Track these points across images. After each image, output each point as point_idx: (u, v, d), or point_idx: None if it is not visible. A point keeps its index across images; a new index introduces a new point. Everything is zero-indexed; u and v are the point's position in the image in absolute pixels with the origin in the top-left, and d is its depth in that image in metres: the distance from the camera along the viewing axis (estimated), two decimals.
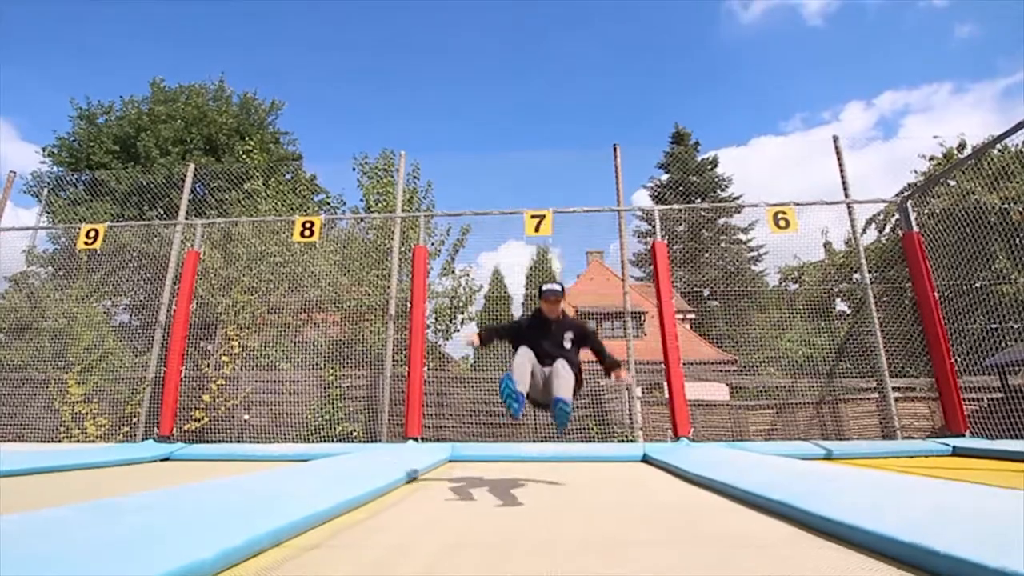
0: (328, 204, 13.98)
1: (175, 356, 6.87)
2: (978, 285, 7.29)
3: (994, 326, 6.66)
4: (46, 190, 12.17)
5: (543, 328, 3.29)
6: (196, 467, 5.08)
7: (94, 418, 7.53)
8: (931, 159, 12.13)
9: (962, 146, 11.77)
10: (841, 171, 7.27)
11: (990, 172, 8.33)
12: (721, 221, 26.50)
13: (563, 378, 2.97)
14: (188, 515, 1.92)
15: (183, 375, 6.97)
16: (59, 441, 7.34)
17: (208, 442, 6.90)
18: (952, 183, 9.33)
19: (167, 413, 6.65)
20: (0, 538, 1.50)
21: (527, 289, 8.90)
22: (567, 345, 3.24)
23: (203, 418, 7.40)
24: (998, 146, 7.74)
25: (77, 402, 7.59)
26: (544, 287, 3.30)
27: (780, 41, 77.34)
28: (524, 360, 3.05)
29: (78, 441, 7.36)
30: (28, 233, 8.88)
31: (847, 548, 1.72)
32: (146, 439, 6.75)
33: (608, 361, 3.39)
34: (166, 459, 5.79)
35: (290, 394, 7.65)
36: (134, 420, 7.25)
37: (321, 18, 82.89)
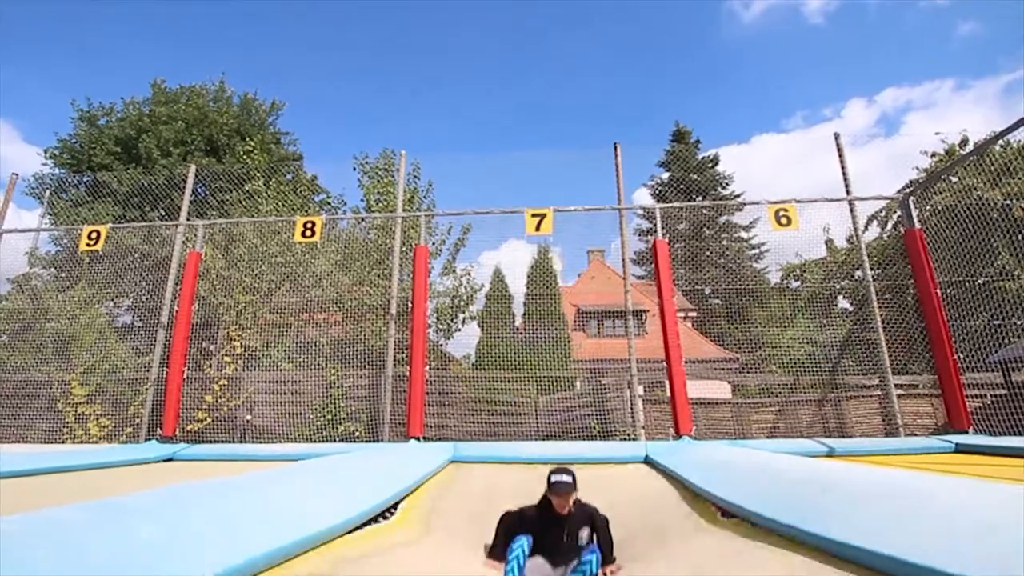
0: (329, 204, 13.98)
1: (177, 357, 6.88)
2: (981, 281, 7.27)
3: (997, 322, 6.65)
4: (48, 192, 12.17)
5: (554, 528, 2.81)
6: (199, 467, 5.09)
7: (97, 419, 7.55)
8: (933, 155, 12.11)
9: (964, 142, 11.75)
10: (843, 168, 7.26)
11: (992, 168, 8.31)
12: (722, 219, 26.49)
13: None
14: (190, 518, 1.92)
15: (185, 376, 6.98)
16: (63, 442, 7.36)
17: (211, 442, 6.91)
18: (954, 179, 9.31)
19: (170, 414, 6.66)
20: (3, 539, 1.51)
21: (528, 288, 8.90)
22: (583, 543, 2.79)
23: (206, 419, 7.42)
24: (1000, 142, 7.71)
25: (80, 403, 7.61)
26: (552, 478, 2.86)
27: (781, 39, 77.27)
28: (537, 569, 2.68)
29: (81, 442, 7.38)
30: (31, 235, 8.91)
31: (842, 563, 1.70)
32: (149, 440, 6.76)
33: (607, 559, 2.80)
34: (169, 459, 5.79)
35: (292, 394, 7.66)
36: (137, 421, 7.27)
37: (321, 18, 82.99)
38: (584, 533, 2.80)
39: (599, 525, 2.86)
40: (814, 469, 3.10)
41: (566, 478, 2.84)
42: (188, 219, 8.04)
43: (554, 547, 2.77)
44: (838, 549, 1.82)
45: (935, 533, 1.55)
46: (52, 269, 9.65)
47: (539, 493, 2.92)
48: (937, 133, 11.94)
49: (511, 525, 2.85)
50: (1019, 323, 6.58)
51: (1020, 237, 7.81)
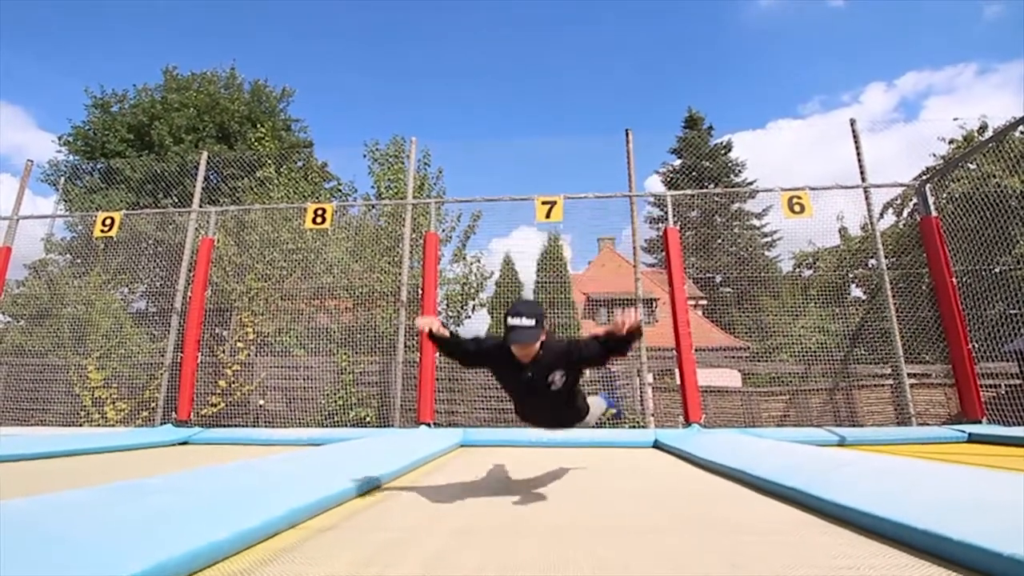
0: (339, 191, 14.02)
1: (191, 342, 6.97)
2: (998, 270, 7.15)
3: (1013, 311, 6.54)
4: (63, 178, 12.29)
5: (520, 372, 2.25)
6: (213, 451, 5.18)
7: (114, 403, 7.69)
8: (951, 142, 11.85)
9: (983, 128, 11.48)
10: (858, 154, 7.14)
11: (1011, 155, 8.12)
12: (734, 206, 26.18)
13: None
14: (206, 497, 1.96)
15: (199, 361, 7.07)
16: (80, 425, 7.52)
17: (224, 427, 7.02)
18: (972, 166, 9.12)
19: (184, 398, 6.77)
20: (24, 519, 1.55)
21: (538, 275, 8.89)
22: (556, 387, 2.26)
23: (219, 403, 7.53)
24: (1020, 128, 7.53)
25: (97, 387, 7.75)
26: (509, 321, 2.13)
27: (799, 22, 75.45)
28: None
29: (99, 425, 7.53)
30: (46, 221, 9.02)
31: (859, 535, 1.72)
32: (164, 423, 6.88)
33: (625, 341, 2.16)
34: (184, 443, 5.90)
35: (304, 380, 7.75)
36: (152, 405, 7.40)
37: (330, 4, 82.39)
38: (556, 376, 2.22)
39: (580, 355, 2.23)
40: (823, 456, 3.10)
41: (527, 322, 2.08)
42: (200, 206, 8.09)
43: (522, 387, 2.32)
44: (842, 513, 1.91)
45: (937, 508, 1.55)
46: (68, 255, 9.79)
47: (546, 476, 2.94)
48: (956, 119, 11.63)
49: (463, 345, 2.36)
50: None
51: None
